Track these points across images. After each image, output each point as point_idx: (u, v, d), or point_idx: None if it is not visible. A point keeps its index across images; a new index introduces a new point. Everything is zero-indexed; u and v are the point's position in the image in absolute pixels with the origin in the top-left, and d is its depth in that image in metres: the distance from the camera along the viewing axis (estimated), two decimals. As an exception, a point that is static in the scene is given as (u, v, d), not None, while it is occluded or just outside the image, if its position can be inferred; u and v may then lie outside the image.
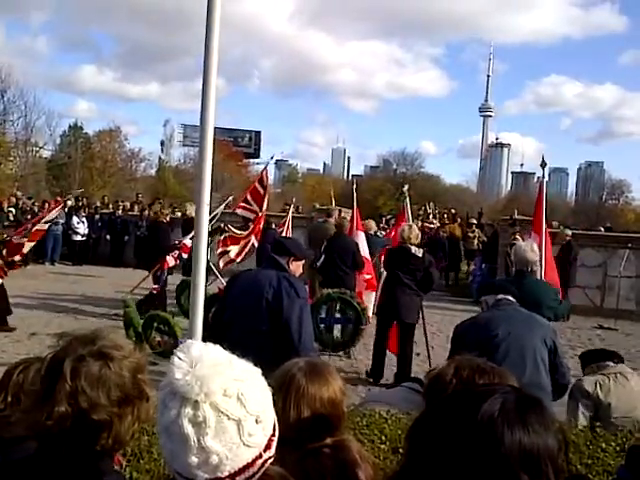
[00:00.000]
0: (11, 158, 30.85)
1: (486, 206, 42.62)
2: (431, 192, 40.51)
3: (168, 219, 11.64)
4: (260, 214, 10.13)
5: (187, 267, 8.93)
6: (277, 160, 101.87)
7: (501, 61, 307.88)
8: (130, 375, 1.44)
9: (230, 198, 12.42)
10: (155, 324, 7.39)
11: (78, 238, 17.21)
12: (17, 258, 9.37)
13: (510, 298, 3.89)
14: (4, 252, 8.95)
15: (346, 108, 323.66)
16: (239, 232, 10.34)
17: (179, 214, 18.83)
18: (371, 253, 9.44)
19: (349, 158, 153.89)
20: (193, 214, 11.56)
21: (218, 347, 1.20)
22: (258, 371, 1.24)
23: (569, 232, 12.93)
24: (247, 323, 3.88)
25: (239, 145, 46.67)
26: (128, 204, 19.81)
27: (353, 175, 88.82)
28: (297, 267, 4.16)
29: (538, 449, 0.92)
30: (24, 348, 7.45)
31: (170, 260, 9.45)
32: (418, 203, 18.87)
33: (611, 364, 3.92)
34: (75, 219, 17.21)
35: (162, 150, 43.56)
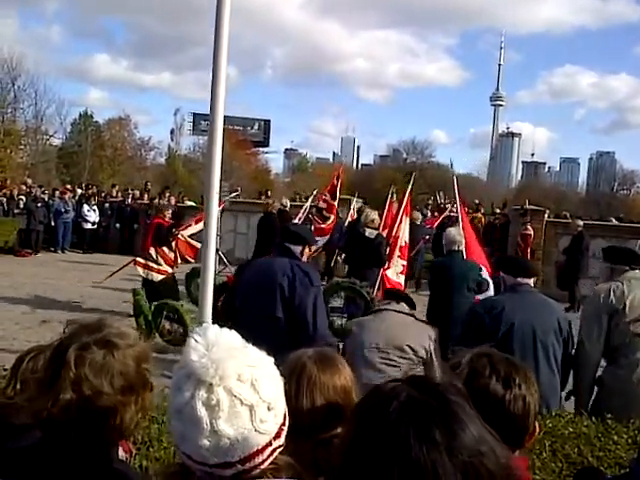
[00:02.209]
0: (21, 146, 31.02)
1: (497, 195, 42.47)
2: (441, 181, 40.28)
3: (276, 210, 11.80)
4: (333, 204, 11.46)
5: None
6: (286, 149, 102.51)
7: (516, 51, 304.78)
8: (134, 364, 1.44)
9: (238, 190, 12.78)
10: (165, 312, 7.42)
11: (89, 226, 17.30)
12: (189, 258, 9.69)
13: (530, 283, 3.78)
14: (174, 246, 9.27)
15: (358, 97, 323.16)
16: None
17: (189, 203, 18.94)
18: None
19: (359, 147, 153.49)
20: (287, 205, 12.07)
21: (234, 332, 1.21)
22: (271, 359, 1.24)
23: (580, 223, 12.84)
24: (261, 310, 3.87)
25: (248, 134, 46.62)
26: (138, 192, 19.85)
27: (363, 164, 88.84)
28: (308, 254, 4.19)
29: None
30: (35, 336, 7.50)
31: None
32: (428, 192, 18.78)
33: (628, 269, 3.83)
34: (86, 207, 17.30)
35: (172, 139, 43.64)
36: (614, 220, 18.43)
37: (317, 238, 10.45)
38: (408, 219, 9.45)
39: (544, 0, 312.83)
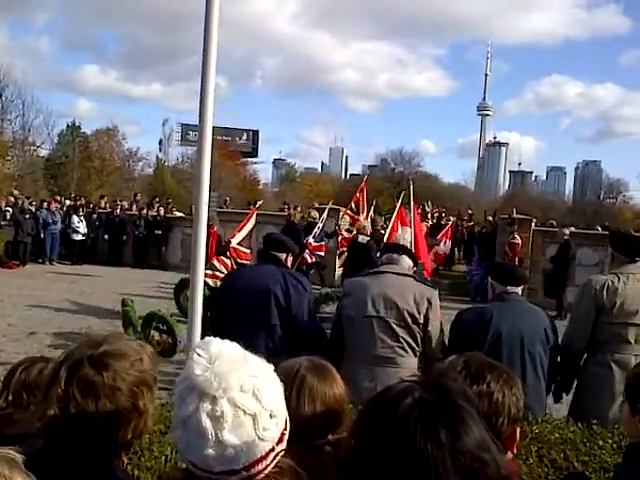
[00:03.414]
0: (9, 157, 30.78)
1: (484, 205, 42.69)
2: (429, 191, 40.47)
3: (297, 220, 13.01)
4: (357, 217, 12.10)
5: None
6: (275, 159, 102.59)
7: (504, 61, 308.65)
8: (127, 387, 1.40)
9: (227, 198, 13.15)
10: (154, 323, 7.39)
11: (78, 237, 17.20)
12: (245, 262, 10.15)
13: (519, 292, 3.79)
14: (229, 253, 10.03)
15: (347, 108, 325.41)
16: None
17: (177, 213, 18.91)
18: None
19: (347, 157, 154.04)
20: (317, 217, 12.45)
21: (235, 344, 1.24)
22: (271, 367, 1.27)
23: (567, 231, 12.97)
24: (255, 318, 3.89)
25: (236, 144, 46.65)
26: (126, 203, 19.79)
27: (351, 174, 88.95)
28: (291, 261, 4.29)
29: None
30: (23, 347, 7.45)
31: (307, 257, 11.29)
32: (416, 202, 18.95)
33: (630, 263, 3.82)
34: (75, 218, 17.21)
35: (160, 149, 43.54)
36: (600, 229, 18.60)
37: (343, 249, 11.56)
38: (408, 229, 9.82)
39: (531, 12, 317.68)
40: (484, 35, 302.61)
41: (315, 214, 12.56)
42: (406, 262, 4.02)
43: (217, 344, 1.21)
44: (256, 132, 51.13)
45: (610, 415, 3.39)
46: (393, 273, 3.89)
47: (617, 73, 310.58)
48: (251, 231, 11.21)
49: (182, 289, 9.27)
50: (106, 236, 17.64)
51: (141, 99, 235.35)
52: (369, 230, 10.10)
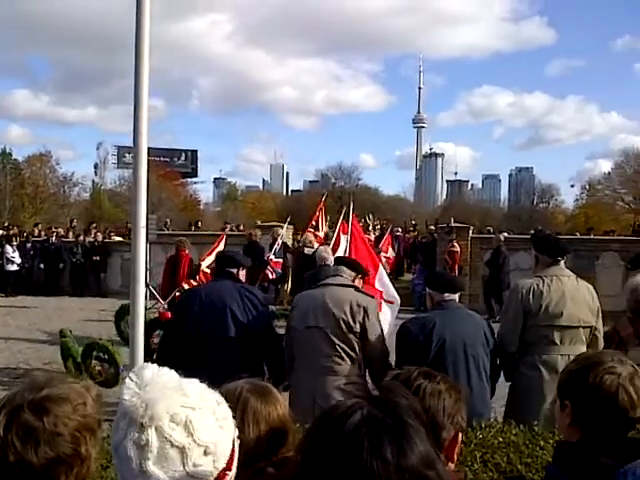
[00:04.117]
0: None
1: (424, 215, 43.52)
2: (370, 204, 40.98)
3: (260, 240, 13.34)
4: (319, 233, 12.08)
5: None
6: (215, 178, 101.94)
7: (437, 74, 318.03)
8: (68, 433, 1.33)
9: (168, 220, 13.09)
10: (95, 353, 7.17)
11: (13, 268, 16.51)
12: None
13: (456, 299, 3.89)
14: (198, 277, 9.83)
15: (286, 125, 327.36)
16: None
17: (116, 238, 18.48)
18: None
19: (287, 174, 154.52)
20: (282, 236, 12.80)
21: (172, 372, 1.19)
22: (221, 401, 1.22)
23: (502, 237, 13.41)
24: (213, 333, 4.07)
25: (175, 165, 46.09)
26: (62, 230, 19.21)
27: (293, 190, 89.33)
28: (244, 276, 4.52)
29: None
30: (-45, 386, 7.09)
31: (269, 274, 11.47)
32: (358, 215, 19.30)
33: (552, 261, 3.94)
34: (9, 248, 16.53)
35: (96, 173, 42.57)
36: (534, 232, 19.24)
37: None
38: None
39: (459, 26, 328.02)
40: (416, 49, 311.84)
41: (280, 231, 12.97)
42: (349, 273, 4.14)
43: (151, 370, 1.17)
44: (195, 152, 50.58)
45: (541, 414, 3.50)
46: (336, 284, 4.05)
47: (545, 82, 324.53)
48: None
49: (123, 315, 9.05)
50: (42, 265, 17.03)
51: (76, 123, 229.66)
52: (315, 243, 10.44)
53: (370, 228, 19.43)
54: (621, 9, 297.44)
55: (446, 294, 3.82)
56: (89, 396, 1.41)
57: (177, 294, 9.36)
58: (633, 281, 3.91)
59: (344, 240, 8.10)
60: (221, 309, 4.07)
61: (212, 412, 1.18)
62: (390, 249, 16.66)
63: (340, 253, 7.32)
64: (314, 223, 13.05)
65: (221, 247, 10.89)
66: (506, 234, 15.93)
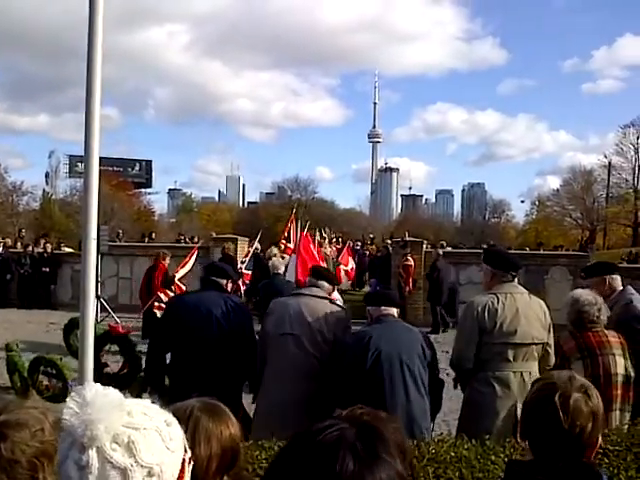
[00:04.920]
0: None
1: (380, 228, 43.95)
2: (326, 217, 41.20)
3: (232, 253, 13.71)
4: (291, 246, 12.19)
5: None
6: (170, 189, 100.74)
7: (393, 91, 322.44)
8: (26, 460, 1.31)
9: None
10: (42, 367, 6.96)
11: (-44, 280, 15.91)
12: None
13: (394, 313, 4.00)
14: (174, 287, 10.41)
15: (243, 137, 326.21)
16: None
17: (67, 249, 18.03)
18: None
19: (244, 185, 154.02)
20: (256, 249, 13.96)
21: (115, 391, 1.15)
22: (171, 422, 1.19)
23: (440, 252, 13.94)
24: (199, 338, 4.24)
25: (129, 175, 45.39)
26: (9, 240, 18.62)
27: (249, 202, 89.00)
28: (231, 287, 4.77)
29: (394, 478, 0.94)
30: None
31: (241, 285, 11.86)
32: (314, 228, 19.44)
33: (507, 281, 3.98)
34: (-49, 259, 15.94)
35: (47, 182, 41.55)
36: (486, 247, 19.66)
37: None
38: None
39: (413, 44, 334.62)
40: (372, 66, 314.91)
41: (256, 245, 13.58)
42: (325, 286, 4.37)
43: (93, 390, 1.13)
44: (149, 162, 50.07)
45: (494, 430, 3.54)
46: (311, 295, 4.26)
47: (496, 100, 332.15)
48: (192, 268, 11.41)
49: (72, 329, 8.81)
50: (-13, 276, 16.46)
51: (27, 131, 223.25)
52: (279, 255, 10.90)
53: (326, 241, 19.49)
54: (570, 33, 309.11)
55: (382, 307, 3.96)
56: (47, 421, 1.39)
57: (156, 303, 10.00)
58: (574, 293, 4.02)
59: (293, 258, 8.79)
60: (206, 316, 4.26)
61: (158, 432, 1.14)
62: (351, 260, 16.91)
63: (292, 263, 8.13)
64: (286, 235, 13.46)
65: (192, 260, 11.29)
66: (449, 248, 16.47)
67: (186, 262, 11.11)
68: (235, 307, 4.39)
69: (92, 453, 1.07)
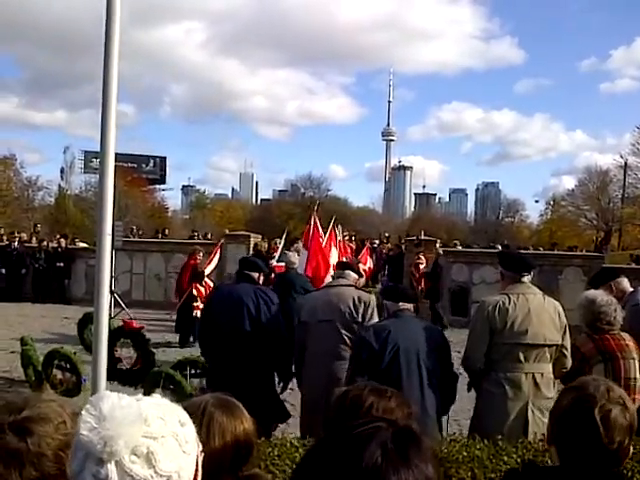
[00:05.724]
0: None
1: (393, 226, 43.83)
2: (339, 215, 41.13)
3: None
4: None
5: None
6: (184, 185, 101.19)
7: (408, 89, 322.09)
8: (52, 453, 1.31)
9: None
10: (56, 361, 7.01)
11: (-27, 274, 16.09)
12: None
13: (411, 308, 4.06)
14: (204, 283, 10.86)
15: (258, 134, 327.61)
16: None
17: (81, 244, 18.16)
18: None
19: (257, 183, 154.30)
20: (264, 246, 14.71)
21: (132, 401, 1.13)
22: (184, 421, 1.18)
23: (441, 251, 14.21)
24: (233, 326, 4.70)
25: (143, 171, 45.59)
26: (25, 235, 18.78)
27: (262, 199, 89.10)
28: (262, 280, 5.29)
29: None
30: None
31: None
32: (326, 226, 19.49)
33: (519, 282, 3.95)
34: (-32, 253, 16.11)
35: (62, 178, 41.79)
36: (500, 247, 19.57)
37: None
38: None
39: (430, 42, 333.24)
40: (387, 64, 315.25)
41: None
42: (351, 276, 4.91)
43: (110, 401, 1.10)
44: (163, 159, 50.20)
45: (505, 431, 3.50)
46: (339, 285, 4.81)
47: (513, 100, 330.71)
48: (218, 264, 12.02)
49: (86, 324, 8.88)
50: (3, 270, 16.60)
51: (44, 126, 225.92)
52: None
53: (339, 238, 19.50)
54: (588, 33, 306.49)
55: (400, 303, 4.02)
56: (66, 414, 1.39)
57: (194, 304, 10.50)
58: (588, 294, 3.98)
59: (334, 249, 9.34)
60: (239, 306, 4.73)
61: (174, 438, 1.13)
62: (369, 260, 16.99)
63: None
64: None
65: (217, 256, 11.84)
66: (460, 247, 16.41)
67: (212, 259, 11.61)
68: (265, 297, 4.82)
69: (111, 467, 1.05)
